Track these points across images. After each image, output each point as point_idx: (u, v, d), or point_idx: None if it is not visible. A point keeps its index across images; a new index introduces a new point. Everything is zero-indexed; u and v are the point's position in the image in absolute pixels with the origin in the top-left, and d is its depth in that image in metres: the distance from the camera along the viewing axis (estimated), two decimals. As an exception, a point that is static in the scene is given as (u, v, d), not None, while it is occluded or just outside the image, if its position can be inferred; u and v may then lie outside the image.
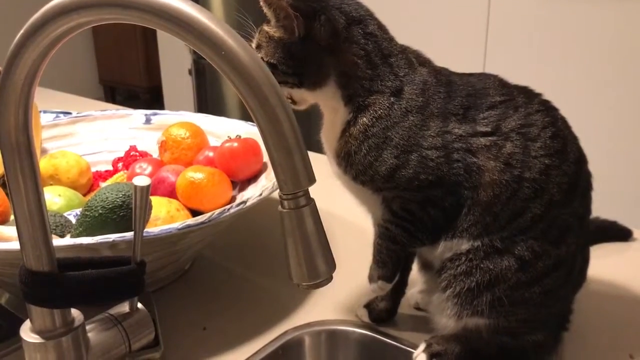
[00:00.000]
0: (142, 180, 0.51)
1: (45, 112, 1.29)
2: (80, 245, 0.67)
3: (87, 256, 0.53)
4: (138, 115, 1.18)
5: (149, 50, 4.26)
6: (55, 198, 0.92)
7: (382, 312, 0.77)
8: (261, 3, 0.64)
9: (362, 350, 0.77)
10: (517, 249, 0.64)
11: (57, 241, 0.68)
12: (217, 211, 0.75)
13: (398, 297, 0.78)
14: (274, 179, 0.62)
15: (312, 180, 0.44)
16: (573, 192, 0.65)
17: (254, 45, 0.68)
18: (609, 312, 0.81)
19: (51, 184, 0.99)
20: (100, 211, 0.77)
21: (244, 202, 0.78)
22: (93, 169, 1.07)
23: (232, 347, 0.74)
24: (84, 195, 1.01)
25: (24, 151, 0.46)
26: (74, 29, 0.43)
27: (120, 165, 1.09)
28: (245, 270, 0.93)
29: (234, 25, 0.44)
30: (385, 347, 0.75)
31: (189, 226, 0.72)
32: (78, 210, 0.89)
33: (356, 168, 0.67)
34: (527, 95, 0.68)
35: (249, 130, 1.04)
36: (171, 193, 0.92)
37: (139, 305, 0.58)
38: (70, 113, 1.26)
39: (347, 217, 1.03)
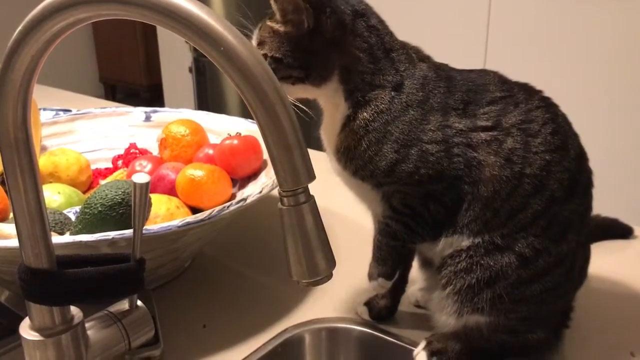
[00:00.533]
0: (141, 178, 0.51)
1: (45, 109, 1.29)
2: (80, 243, 0.67)
3: (86, 254, 0.53)
4: (138, 112, 1.17)
5: (150, 48, 4.26)
6: (54, 195, 0.92)
7: (382, 309, 0.77)
8: None
9: (362, 348, 0.77)
10: (517, 245, 0.64)
11: (56, 239, 0.68)
12: (217, 209, 0.75)
13: (398, 294, 0.78)
14: (274, 177, 0.62)
15: (311, 177, 0.43)
16: (574, 189, 0.65)
17: (255, 41, 0.68)
18: (610, 309, 0.81)
19: (51, 182, 0.99)
20: (100, 209, 0.77)
21: (244, 199, 0.78)
22: (93, 167, 1.07)
23: (232, 344, 0.74)
24: (84, 192, 1.01)
25: (22, 148, 0.46)
26: (72, 25, 0.43)
27: (120, 162, 1.09)
28: (245, 267, 0.93)
29: (233, 23, 0.44)
30: (385, 344, 0.75)
31: (188, 223, 0.72)
32: (77, 208, 0.89)
33: (356, 163, 0.67)
34: (528, 91, 0.68)
35: (249, 128, 1.04)
36: (171, 190, 0.92)
37: (139, 302, 0.58)
38: (70, 110, 1.25)
39: (347, 214, 1.03)
